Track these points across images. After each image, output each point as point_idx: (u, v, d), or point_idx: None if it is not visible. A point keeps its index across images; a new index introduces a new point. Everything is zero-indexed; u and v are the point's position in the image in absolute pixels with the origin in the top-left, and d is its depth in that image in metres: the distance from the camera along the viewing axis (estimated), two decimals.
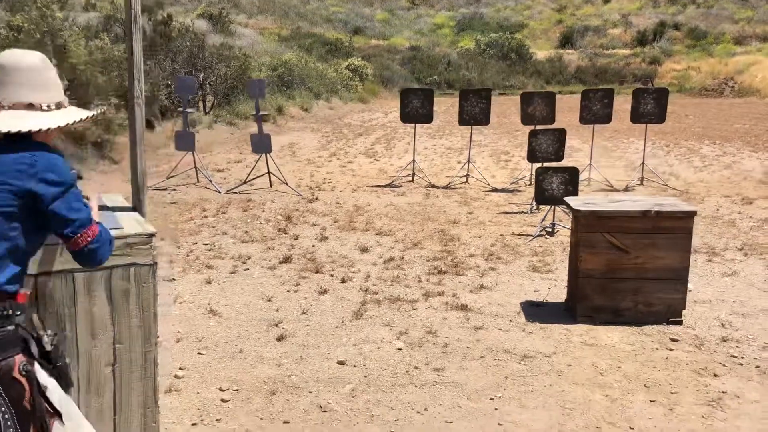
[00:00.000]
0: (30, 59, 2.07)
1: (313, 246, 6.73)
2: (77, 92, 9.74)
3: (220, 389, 3.73)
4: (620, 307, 4.77)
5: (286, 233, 7.18)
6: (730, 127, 18.67)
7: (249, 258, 6.22)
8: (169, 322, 4.57)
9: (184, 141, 9.37)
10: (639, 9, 54.68)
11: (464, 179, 10.19)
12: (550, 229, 7.39)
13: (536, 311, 5.01)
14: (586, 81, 42.32)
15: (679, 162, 11.92)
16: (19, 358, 1.98)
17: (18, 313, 2.02)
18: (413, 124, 10.49)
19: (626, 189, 9.57)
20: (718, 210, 8.28)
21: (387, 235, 7.18)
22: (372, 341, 4.43)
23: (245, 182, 9.43)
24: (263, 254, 6.38)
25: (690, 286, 5.68)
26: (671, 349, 4.35)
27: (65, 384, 2.16)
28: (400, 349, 4.31)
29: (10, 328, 1.99)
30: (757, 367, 4.09)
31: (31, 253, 2.14)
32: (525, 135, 9.48)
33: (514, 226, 7.62)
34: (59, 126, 2.09)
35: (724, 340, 4.47)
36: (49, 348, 2.10)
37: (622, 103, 28.72)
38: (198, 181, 9.68)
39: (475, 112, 9.95)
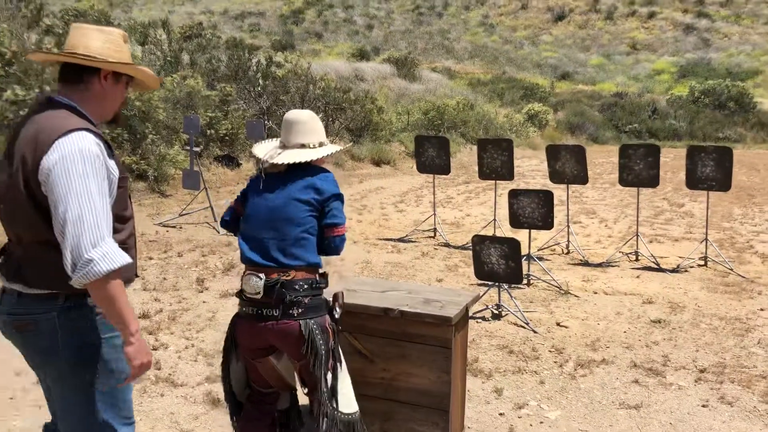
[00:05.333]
0: (304, 115, 2.95)
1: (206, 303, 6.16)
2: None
3: None
4: None
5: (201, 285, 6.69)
6: None
7: None
8: None
9: (191, 180, 9.30)
10: None
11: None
12: (496, 311, 6.02)
13: None
14: None
15: None
16: (328, 318, 2.82)
17: (324, 285, 2.83)
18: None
19: (675, 269, 7.58)
20: (761, 310, 6.14)
21: None
22: None
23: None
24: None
25: (553, 414, 4.14)
26: None
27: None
28: None
29: (321, 295, 2.83)
30: None
31: None
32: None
33: None
34: (320, 158, 2.90)
35: None
36: (337, 315, 2.89)
37: None
38: (216, 220, 9.54)
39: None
